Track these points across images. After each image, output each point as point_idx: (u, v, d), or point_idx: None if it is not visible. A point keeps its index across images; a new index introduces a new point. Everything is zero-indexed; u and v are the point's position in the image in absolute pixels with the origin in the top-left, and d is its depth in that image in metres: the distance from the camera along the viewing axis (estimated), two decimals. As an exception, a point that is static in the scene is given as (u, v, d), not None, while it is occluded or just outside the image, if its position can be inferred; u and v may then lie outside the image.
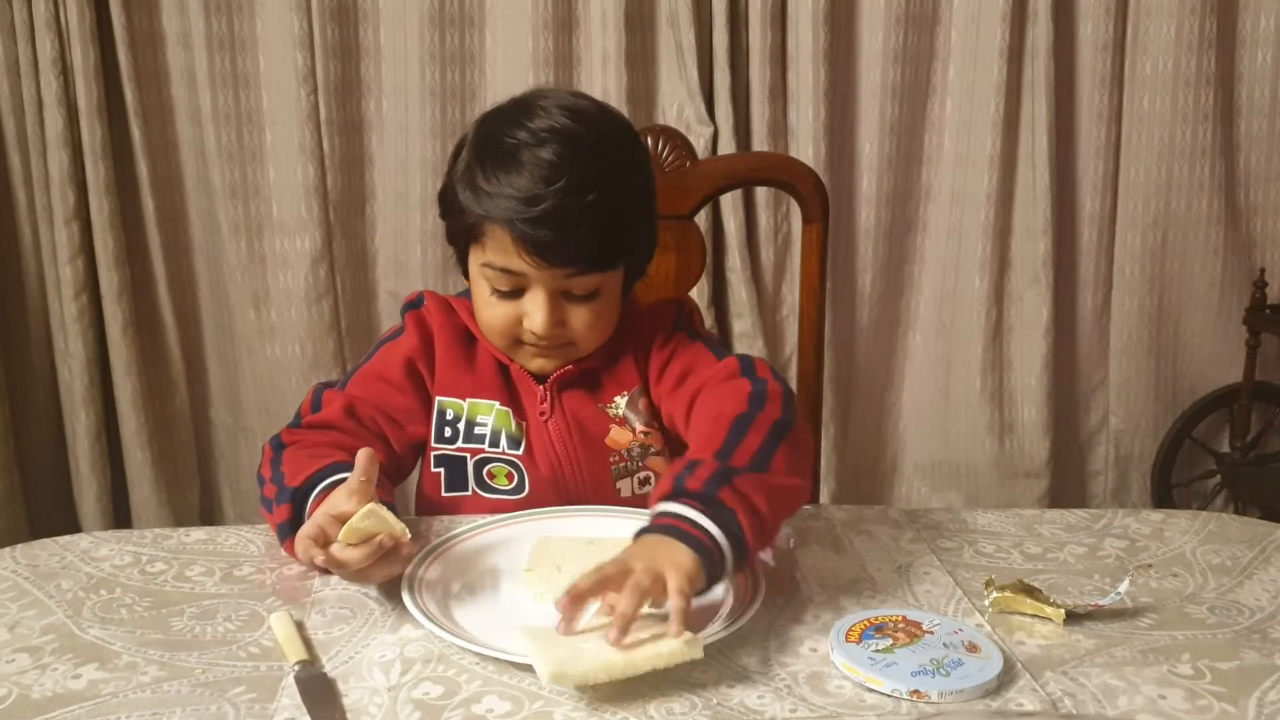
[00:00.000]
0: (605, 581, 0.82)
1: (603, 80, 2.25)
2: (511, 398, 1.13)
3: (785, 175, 1.45)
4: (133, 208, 2.26)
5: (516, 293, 1.06)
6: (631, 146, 1.10)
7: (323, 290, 2.33)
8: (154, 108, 2.25)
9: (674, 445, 1.16)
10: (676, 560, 0.83)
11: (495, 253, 1.04)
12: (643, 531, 0.88)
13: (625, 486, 1.14)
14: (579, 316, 1.07)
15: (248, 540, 1.03)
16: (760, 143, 2.33)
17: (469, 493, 1.12)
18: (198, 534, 1.04)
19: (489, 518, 1.04)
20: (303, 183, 2.27)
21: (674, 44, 2.27)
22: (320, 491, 0.97)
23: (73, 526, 2.32)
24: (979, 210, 2.42)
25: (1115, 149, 2.44)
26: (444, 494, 1.12)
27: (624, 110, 2.21)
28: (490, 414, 1.12)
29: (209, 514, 2.47)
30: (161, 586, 0.94)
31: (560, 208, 0.99)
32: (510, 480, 1.12)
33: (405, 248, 2.36)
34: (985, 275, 2.45)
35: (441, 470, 1.12)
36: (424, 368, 1.14)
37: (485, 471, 1.12)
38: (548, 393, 1.12)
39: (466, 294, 1.16)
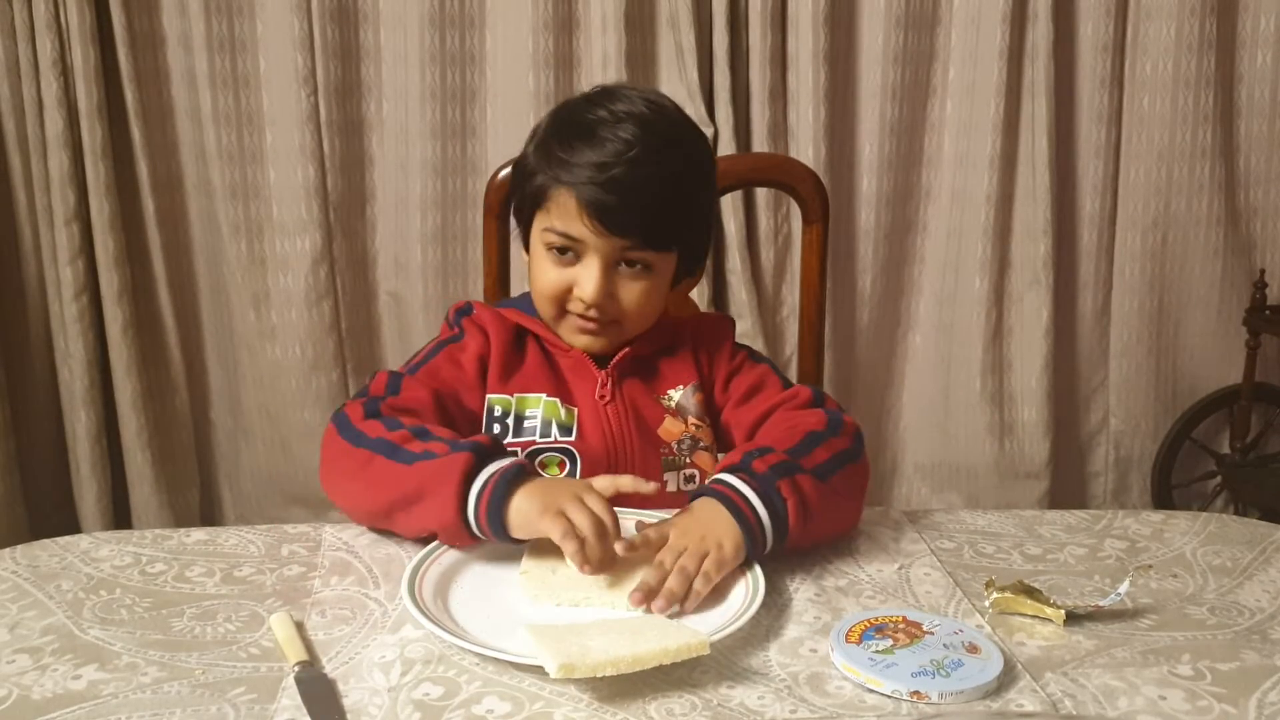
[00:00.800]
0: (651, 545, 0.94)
1: (603, 81, 2.24)
2: (559, 387, 1.15)
3: (785, 176, 1.45)
4: (133, 209, 2.26)
5: (572, 259, 1.10)
6: (703, 148, 1.16)
7: (323, 291, 2.33)
8: (154, 109, 2.25)
9: (723, 443, 1.19)
10: (720, 539, 0.93)
11: (559, 217, 1.08)
12: (703, 493, 0.99)
13: (672, 480, 1.15)
14: (628, 293, 1.11)
15: (248, 541, 1.03)
16: (760, 144, 2.33)
17: None
18: (198, 535, 1.04)
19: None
20: (303, 184, 2.27)
21: (674, 45, 2.27)
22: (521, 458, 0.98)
23: (73, 527, 2.32)
24: (979, 211, 2.42)
25: (1115, 150, 2.44)
26: None
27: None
28: (539, 406, 1.13)
29: (209, 515, 2.48)
30: (161, 587, 0.94)
31: (629, 177, 1.05)
32: (562, 469, 1.12)
33: (406, 249, 2.36)
34: (985, 276, 2.45)
35: None
36: (489, 367, 1.15)
37: (537, 463, 1.12)
38: (609, 377, 1.14)
39: (504, 303, 1.21)
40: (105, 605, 0.90)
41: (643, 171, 1.05)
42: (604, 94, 1.11)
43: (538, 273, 1.13)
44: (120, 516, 2.36)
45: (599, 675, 0.76)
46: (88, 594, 0.92)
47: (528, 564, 0.94)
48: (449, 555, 0.96)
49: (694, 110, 2.26)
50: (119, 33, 2.17)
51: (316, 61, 2.23)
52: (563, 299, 1.11)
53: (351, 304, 2.38)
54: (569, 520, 0.90)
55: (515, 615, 0.88)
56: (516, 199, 1.15)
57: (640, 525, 1.00)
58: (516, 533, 0.93)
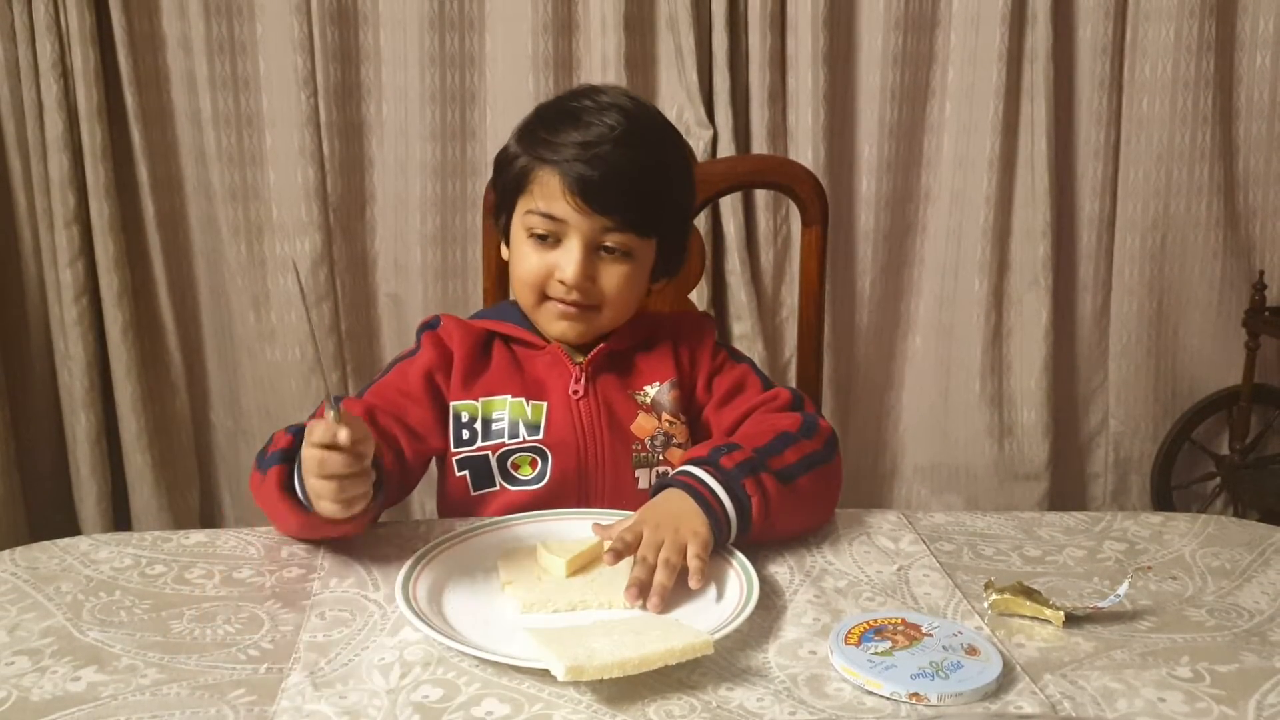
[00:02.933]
0: (631, 547, 0.94)
1: (602, 83, 2.24)
2: (526, 386, 1.15)
3: (785, 178, 1.45)
4: (133, 211, 2.26)
5: (553, 243, 1.11)
6: (682, 146, 1.19)
7: (323, 293, 2.33)
8: (154, 111, 2.25)
9: (699, 440, 1.19)
10: (695, 529, 0.95)
11: (542, 198, 1.09)
12: (668, 484, 1.01)
13: (644, 477, 1.15)
14: (608, 278, 1.12)
15: (247, 543, 1.03)
16: (760, 146, 2.33)
17: (496, 488, 1.13)
18: (197, 536, 1.05)
19: (483, 521, 1.04)
20: (303, 185, 2.27)
21: (674, 47, 2.27)
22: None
23: (72, 529, 2.31)
24: (978, 213, 2.42)
25: (1114, 151, 2.44)
26: (473, 493, 1.14)
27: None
28: (504, 408, 1.14)
29: (209, 517, 2.47)
30: (161, 589, 0.94)
31: (614, 155, 1.07)
32: (534, 468, 1.13)
33: (405, 250, 2.36)
34: (985, 278, 2.45)
35: (466, 473, 1.13)
36: (442, 380, 1.16)
37: (509, 464, 1.13)
38: (583, 373, 1.15)
39: (478, 314, 1.22)
40: (105, 607, 0.90)
41: (627, 152, 1.07)
42: (586, 89, 1.14)
43: (518, 259, 1.14)
44: (120, 518, 2.36)
45: (606, 678, 0.76)
46: (87, 596, 0.92)
47: (507, 575, 0.94)
48: (441, 559, 0.96)
49: (694, 112, 2.26)
50: (119, 35, 2.17)
51: (316, 63, 2.23)
52: (543, 284, 1.12)
53: (351, 306, 2.38)
54: (313, 460, 0.90)
55: (512, 618, 0.88)
56: (499, 191, 1.17)
57: (596, 527, 1.00)
58: (317, 506, 0.93)
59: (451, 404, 1.15)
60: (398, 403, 1.14)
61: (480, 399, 1.14)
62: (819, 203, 1.42)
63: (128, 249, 2.25)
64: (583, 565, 0.95)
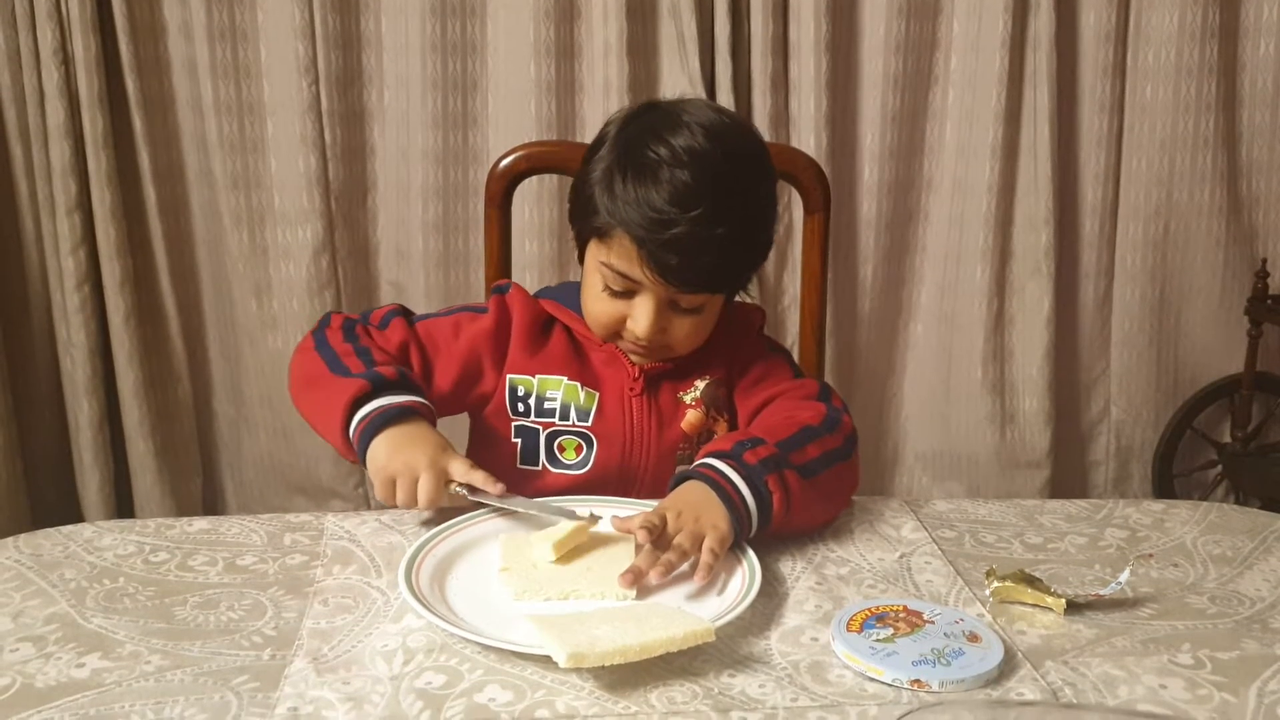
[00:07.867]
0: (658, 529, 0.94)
1: (604, 70, 2.24)
2: (583, 372, 1.17)
3: (787, 166, 1.44)
4: (134, 198, 2.26)
5: (627, 294, 1.11)
6: (765, 172, 1.14)
7: (325, 281, 2.33)
8: (155, 98, 2.24)
9: (734, 426, 1.20)
10: (715, 522, 0.95)
11: (618, 258, 1.08)
12: (690, 476, 1.01)
13: None
14: (681, 327, 1.13)
15: (250, 530, 1.03)
16: (762, 133, 2.31)
17: (539, 468, 1.16)
18: (200, 524, 1.05)
19: (484, 508, 1.04)
20: (304, 173, 2.27)
21: (675, 34, 2.27)
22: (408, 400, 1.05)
23: (75, 516, 2.32)
24: (980, 201, 2.42)
25: (1117, 139, 2.43)
26: (518, 465, 1.16)
27: (625, 100, 2.21)
28: (559, 389, 1.16)
29: (211, 504, 2.48)
30: (164, 576, 0.94)
31: (691, 235, 1.03)
32: (579, 453, 1.16)
33: (407, 238, 2.36)
34: (987, 266, 2.45)
35: (520, 441, 1.16)
36: (487, 352, 1.18)
37: (556, 445, 1.16)
38: (641, 373, 1.17)
39: (544, 292, 1.23)
40: (108, 594, 0.90)
41: (705, 229, 1.03)
42: (666, 121, 1.08)
43: (591, 299, 1.14)
44: (123, 505, 2.37)
45: (607, 664, 0.76)
46: (91, 583, 0.92)
47: (506, 559, 0.95)
48: (444, 546, 0.97)
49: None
50: (120, 22, 2.16)
51: (317, 50, 2.23)
52: (616, 329, 1.13)
53: (353, 294, 2.38)
54: (393, 490, 1.01)
55: (515, 605, 0.89)
56: (577, 216, 1.15)
57: (616, 520, 0.99)
58: (369, 469, 1.02)
59: (508, 376, 1.17)
60: (435, 353, 1.18)
61: (537, 375, 1.17)
62: (821, 190, 1.42)
63: (129, 237, 2.25)
64: (573, 550, 0.95)
